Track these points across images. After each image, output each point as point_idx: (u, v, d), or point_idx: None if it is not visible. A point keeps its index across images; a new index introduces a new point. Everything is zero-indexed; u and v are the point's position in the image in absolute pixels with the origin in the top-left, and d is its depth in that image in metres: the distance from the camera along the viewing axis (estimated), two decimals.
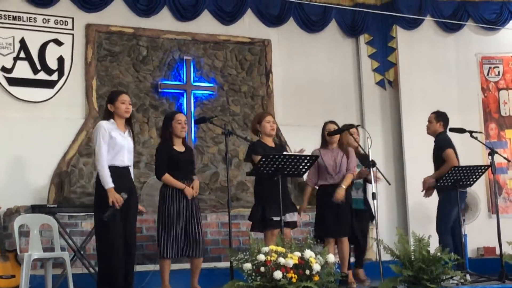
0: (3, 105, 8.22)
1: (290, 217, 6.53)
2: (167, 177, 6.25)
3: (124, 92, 6.01)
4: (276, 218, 6.23)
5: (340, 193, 6.67)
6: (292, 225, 6.60)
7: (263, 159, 6.02)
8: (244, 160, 7.13)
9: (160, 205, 6.28)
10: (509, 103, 10.33)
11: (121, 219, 5.63)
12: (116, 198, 5.51)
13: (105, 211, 5.50)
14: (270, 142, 6.70)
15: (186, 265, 6.67)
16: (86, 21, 8.76)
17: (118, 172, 5.66)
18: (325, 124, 7.00)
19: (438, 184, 7.06)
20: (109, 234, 5.58)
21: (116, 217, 5.59)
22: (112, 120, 5.75)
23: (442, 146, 7.39)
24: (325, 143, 6.95)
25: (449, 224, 7.19)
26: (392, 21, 10.28)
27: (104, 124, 5.68)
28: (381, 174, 6.56)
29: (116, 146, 5.66)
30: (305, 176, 7.03)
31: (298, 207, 6.83)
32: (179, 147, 6.37)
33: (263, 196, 6.44)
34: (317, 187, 6.95)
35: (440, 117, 7.59)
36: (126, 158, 5.75)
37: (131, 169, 5.90)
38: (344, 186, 6.70)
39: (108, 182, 5.54)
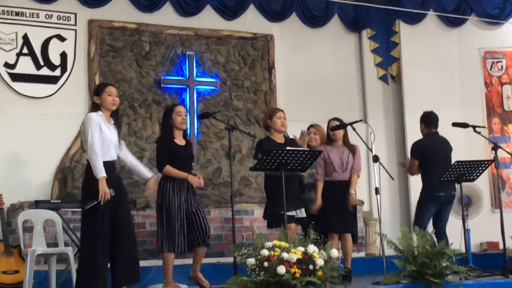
0: (6, 101, 8.22)
1: (301, 213, 6.60)
2: (169, 168, 6.20)
3: (110, 84, 5.92)
4: (289, 213, 6.30)
5: (354, 200, 6.81)
6: (303, 220, 6.66)
7: (265, 155, 6.03)
8: (253, 157, 7.15)
9: (160, 199, 6.22)
10: None
11: (110, 215, 5.57)
12: (104, 191, 5.43)
13: (89, 202, 5.44)
14: (280, 138, 6.73)
15: (189, 261, 6.65)
16: (89, 17, 8.75)
17: (108, 167, 5.59)
18: (329, 121, 7.04)
19: (442, 179, 7.06)
20: (94, 232, 5.49)
21: (105, 215, 5.51)
22: (100, 112, 5.67)
23: (411, 151, 7.67)
24: (329, 140, 6.99)
25: (423, 224, 7.19)
26: (395, 15, 10.27)
27: (94, 116, 5.60)
28: (384, 169, 6.54)
29: (106, 140, 5.60)
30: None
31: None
32: (179, 140, 6.35)
33: (274, 193, 6.46)
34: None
35: (421, 118, 7.73)
36: (114, 152, 5.70)
37: (138, 162, 6.01)
38: (353, 191, 6.84)
39: (101, 171, 5.45)
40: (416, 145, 7.63)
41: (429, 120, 7.62)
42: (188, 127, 8.92)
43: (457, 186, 7.22)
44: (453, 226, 7.56)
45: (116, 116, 5.83)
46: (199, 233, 6.18)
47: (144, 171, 6.08)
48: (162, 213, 6.20)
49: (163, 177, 6.30)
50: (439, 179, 7.07)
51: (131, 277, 5.69)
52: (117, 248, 5.59)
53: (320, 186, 6.93)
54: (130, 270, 5.68)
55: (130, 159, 6.04)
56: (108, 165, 5.60)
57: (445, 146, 7.56)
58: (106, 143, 5.60)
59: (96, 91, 5.77)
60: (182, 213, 6.16)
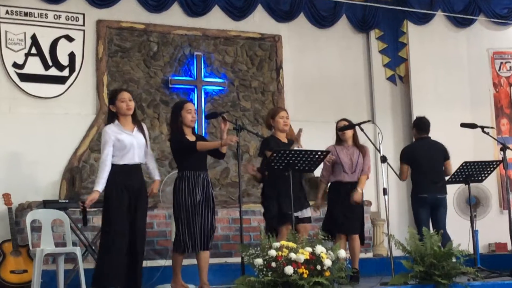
0: (14, 101, 8.25)
1: (306, 212, 6.55)
2: (200, 143, 6.10)
3: (123, 90, 5.90)
4: (294, 214, 6.24)
5: (358, 197, 6.75)
6: (307, 220, 6.61)
7: (275, 154, 6.02)
8: (258, 155, 7.11)
9: (176, 199, 6.08)
10: None
11: (129, 220, 5.67)
12: (92, 199, 5.69)
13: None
14: (283, 137, 6.69)
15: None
16: (97, 17, 8.77)
17: (127, 170, 5.66)
18: (338, 121, 7.02)
19: (449, 179, 7.05)
20: (111, 232, 5.61)
21: (123, 216, 5.61)
22: (117, 122, 5.71)
23: (400, 156, 7.67)
24: (339, 140, 6.97)
25: (420, 225, 7.17)
26: (403, 16, 10.26)
27: (108, 130, 5.67)
28: (392, 169, 6.53)
29: (126, 147, 5.67)
30: (317, 172, 7.03)
31: (311, 203, 6.84)
32: (190, 136, 6.22)
33: (277, 192, 6.41)
34: (329, 183, 6.96)
35: (413, 124, 7.80)
36: (136, 156, 5.72)
37: (153, 165, 6.04)
38: (360, 190, 6.78)
39: (99, 184, 5.63)
40: (404, 150, 7.74)
41: (420, 125, 7.65)
42: (196, 127, 8.90)
43: (464, 187, 7.22)
44: (461, 227, 7.54)
45: (136, 120, 5.88)
46: (204, 236, 6.05)
47: (153, 172, 6.10)
48: (179, 214, 6.06)
49: (178, 177, 6.15)
50: (447, 180, 7.07)
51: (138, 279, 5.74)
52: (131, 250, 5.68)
53: (323, 186, 6.95)
54: (138, 274, 5.77)
55: (149, 163, 6.09)
56: (128, 167, 5.67)
57: (434, 150, 7.55)
58: (127, 149, 5.69)
59: (110, 99, 5.81)
60: (198, 214, 6.01)
